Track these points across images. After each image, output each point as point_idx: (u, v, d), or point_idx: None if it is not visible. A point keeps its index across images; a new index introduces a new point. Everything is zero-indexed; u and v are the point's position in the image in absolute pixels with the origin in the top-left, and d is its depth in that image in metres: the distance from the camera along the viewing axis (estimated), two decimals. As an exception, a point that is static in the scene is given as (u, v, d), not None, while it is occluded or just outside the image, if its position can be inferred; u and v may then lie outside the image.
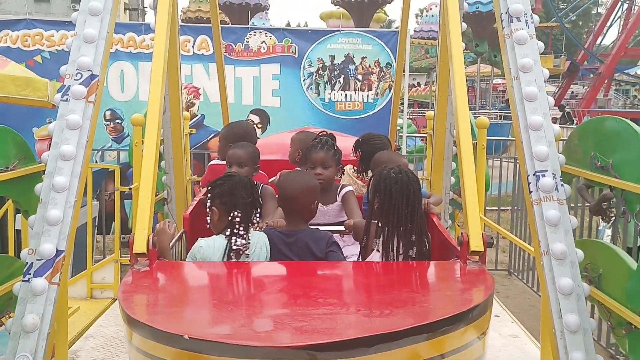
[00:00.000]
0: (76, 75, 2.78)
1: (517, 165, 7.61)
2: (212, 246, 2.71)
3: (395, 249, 2.68)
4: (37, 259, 2.52)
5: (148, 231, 2.48)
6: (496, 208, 8.52)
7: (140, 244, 2.43)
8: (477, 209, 2.63)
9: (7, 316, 2.66)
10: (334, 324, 1.88)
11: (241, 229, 2.71)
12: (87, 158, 2.73)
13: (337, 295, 2.24)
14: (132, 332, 1.98)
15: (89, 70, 2.80)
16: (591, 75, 42.69)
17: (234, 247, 2.67)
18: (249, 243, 2.71)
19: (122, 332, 3.87)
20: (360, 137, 4.00)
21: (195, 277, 2.56)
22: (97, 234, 6.44)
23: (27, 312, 2.44)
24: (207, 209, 2.82)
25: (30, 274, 2.49)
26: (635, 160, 2.46)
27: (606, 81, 40.61)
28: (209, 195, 2.83)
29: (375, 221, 2.79)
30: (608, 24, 44.07)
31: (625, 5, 43.01)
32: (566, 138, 3.43)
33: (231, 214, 2.73)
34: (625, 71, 43.63)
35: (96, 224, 6.23)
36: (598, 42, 44.78)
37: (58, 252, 2.54)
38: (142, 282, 2.32)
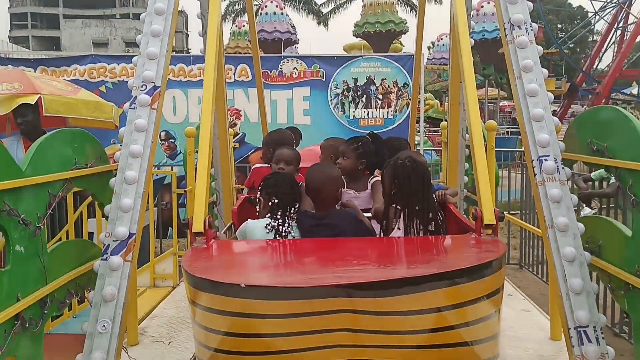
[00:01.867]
0: (142, 87, 2.94)
1: (524, 174, 7.61)
2: (256, 225, 2.84)
3: (415, 226, 2.75)
4: (113, 240, 2.66)
5: (204, 214, 2.56)
6: (506, 212, 8.46)
7: (198, 224, 2.51)
8: (489, 188, 2.67)
9: (89, 290, 2.79)
10: (367, 273, 1.95)
11: (278, 214, 2.81)
12: (152, 156, 2.88)
13: (369, 258, 2.30)
14: (196, 292, 2.04)
15: (152, 82, 2.95)
16: (590, 96, 42.08)
17: (273, 228, 2.78)
18: (288, 225, 2.80)
19: (182, 313, 3.98)
20: (383, 140, 4.07)
21: (245, 250, 2.64)
22: (155, 238, 6.60)
23: (106, 284, 2.58)
24: (258, 200, 2.94)
25: (107, 253, 2.64)
26: (627, 142, 2.50)
27: (604, 100, 39.97)
28: (260, 188, 2.94)
29: (394, 205, 2.86)
30: (603, 49, 43.52)
31: (619, 32, 42.51)
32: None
33: (271, 202, 2.83)
34: (621, 91, 42.92)
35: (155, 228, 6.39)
36: (595, 65, 44.19)
37: (130, 235, 2.69)
38: (201, 254, 2.40)
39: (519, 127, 2.86)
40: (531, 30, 2.97)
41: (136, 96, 2.92)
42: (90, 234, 4.59)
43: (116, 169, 2.82)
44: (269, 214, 2.86)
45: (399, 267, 2.03)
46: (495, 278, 2.10)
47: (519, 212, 8.33)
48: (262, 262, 2.38)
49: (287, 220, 2.83)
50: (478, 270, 1.98)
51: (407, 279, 1.82)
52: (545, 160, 2.65)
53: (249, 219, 2.90)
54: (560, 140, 2.79)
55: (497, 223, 2.52)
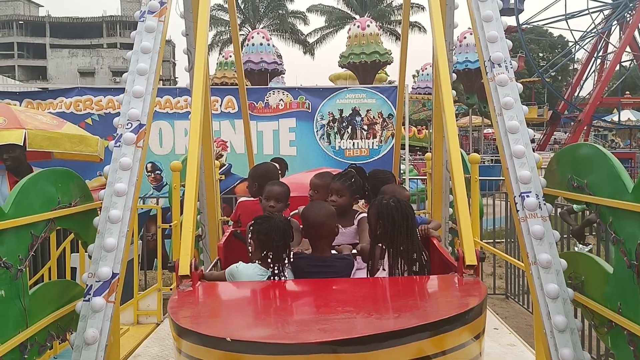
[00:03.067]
0: (127, 125, 2.94)
1: (509, 202, 7.65)
2: (247, 270, 2.78)
3: (399, 266, 2.77)
4: (95, 281, 2.62)
5: (190, 257, 2.55)
6: (491, 240, 8.51)
7: (184, 268, 2.50)
8: (470, 228, 2.69)
9: (70, 332, 2.74)
10: (351, 325, 1.95)
11: (275, 267, 2.76)
12: (136, 194, 2.87)
13: (353, 303, 2.30)
14: (181, 340, 2.04)
15: (137, 120, 2.95)
16: (572, 123, 42.79)
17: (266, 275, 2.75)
18: (280, 271, 2.77)
19: (166, 351, 3.92)
20: (368, 173, 4.09)
21: (232, 293, 2.62)
22: (140, 270, 6.53)
23: (88, 327, 2.54)
24: (249, 239, 2.92)
25: (90, 294, 2.60)
26: (606, 179, 2.54)
27: (585, 127, 40.66)
28: (251, 228, 2.91)
29: (380, 245, 2.88)
30: (584, 77, 44.44)
31: (599, 61, 43.45)
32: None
33: (264, 252, 2.79)
34: (602, 118, 43.71)
35: (139, 261, 6.33)
36: (576, 93, 45.02)
37: (113, 275, 2.65)
38: (187, 299, 2.38)
39: (501, 163, 2.89)
40: (511, 67, 3.02)
41: (121, 134, 2.92)
42: (73, 269, 4.54)
43: (100, 207, 2.80)
44: (259, 261, 2.82)
45: (383, 318, 2.04)
46: (477, 323, 2.11)
47: (504, 240, 8.39)
48: (248, 310, 2.36)
49: (280, 268, 2.78)
50: (461, 318, 2.00)
51: (392, 333, 1.83)
52: (527, 196, 2.68)
53: (240, 262, 2.86)
54: (542, 176, 2.83)
55: (479, 263, 2.54)
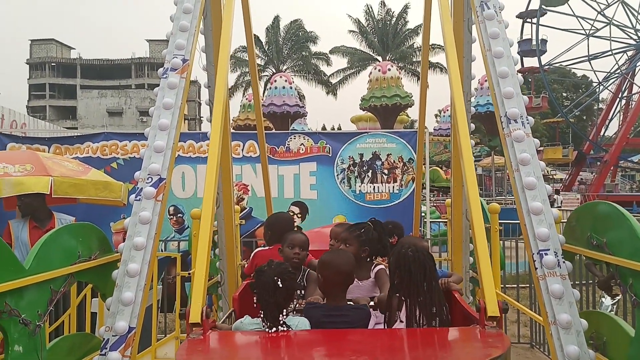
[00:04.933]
0: (147, 179, 3.02)
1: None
2: (252, 324, 2.74)
3: (417, 319, 2.72)
4: (112, 335, 2.65)
5: (202, 304, 2.55)
6: (515, 285, 8.34)
7: (195, 315, 2.51)
8: (492, 279, 2.65)
9: (86, 386, 2.75)
10: None
11: (269, 325, 2.60)
12: (155, 247, 2.91)
13: (368, 354, 2.26)
14: None
15: (157, 175, 3.03)
16: (598, 163, 42.29)
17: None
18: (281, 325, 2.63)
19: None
20: (371, 220, 4.03)
21: (242, 344, 2.60)
22: (160, 312, 6.53)
23: (103, 381, 2.56)
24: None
25: (107, 348, 2.62)
26: (624, 239, 2.51)
27: (612, 168, 40.13)
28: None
29: (398, 295, 2.85)
30: (609, 118, 44.11)
31: (624, 101, 43.17)
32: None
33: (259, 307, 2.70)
34: (629, 159, 43.15)
35: (159, 305, 6.34)
36: (602, 133, 44.63)
37: (130, 329, 2.68)
38: (197, 347, 2.38)
39: (519, 219, 2.87)
40: (527, 123, 3.03)
41: (142, 188, 2.99)
42: (93, 314, 4.57)
43: (119, 260, 2.85)
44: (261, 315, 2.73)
45: None
46: None
47: (527, 285, 8.23)
48: None
49: (277, 325, 2.62)
50: None
51: None
52: (546, 254, 2.65)
53: (246, 316, 2.86)
54: (562, 232, 2.80)
55: (502, 315, 2.50)
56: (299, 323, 2.76)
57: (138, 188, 3.00)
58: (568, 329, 2.50)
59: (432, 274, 2.88)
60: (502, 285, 5.11)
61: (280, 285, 2.64)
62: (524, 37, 41.44)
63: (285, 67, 46.83)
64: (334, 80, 48.45)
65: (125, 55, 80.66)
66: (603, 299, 5.65)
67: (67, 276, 2.69)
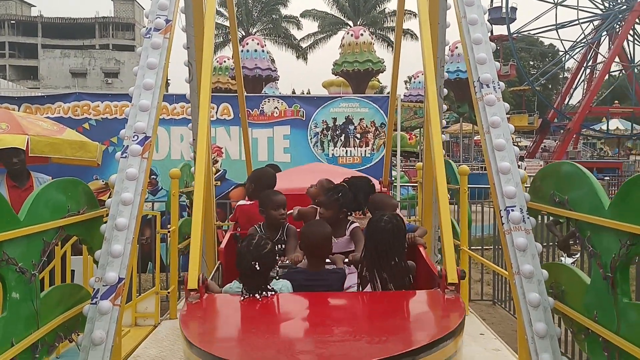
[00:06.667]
0: (133, 137, 3.08)
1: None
2: (239, 287, 2.86)
3: (384, 279, 2.97)
4: (102, 285, 2.76)
5: (198, 271, 2.69)
6: (480, 247, 8.69)
7: (192, 282, 2.65)
8: (453, 250, 2.85)
9: (76, 334, 2.87)
10: (345, 350, 2.09)
11: (245, 295, 2.70)
12: (141, 203, 3.01)
13: (346, 323, 2.46)
14: (191, 353, 2.18)
15: (143, 133, 3.10)
16: (561, 131, 43.30)
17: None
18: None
19: (164, 353, 4.04)
20: (347, 180, 4.20)
21: (235, 308, 2.71)
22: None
23: (95, 328, 2.67)
24: None
25: (97, 297, 2.74)
26: (585, 196, 2.71)
27: (575, 136, 41.16)
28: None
29: (370, 258, 3.09)
30: (574, 86, 45.01)
31: (588, 70, 44.04)
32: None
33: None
34: (591, 127, 44.26)
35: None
36: (566, 102, 45.58)
37: (120, 279, 2.79)
38: (196, 312, 2.55)
39: (488, 179, 3.06)
40: (499, 88, 3.19)
41: (128, 145, 3.06)
42: (72, 272, 4.65)
43: (107, 215, 2.94)
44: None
45: (372, 342, 2.16)
46: (455, 341, 2.27)
47: (492, 247, 8.57)
48: (251, 327, 2.45)
49: (256, 294, 2.71)
50: (441, 342, 2.14)
51: None
52: (512, 210, 2.84)
53: (234, 281, 2.97)
54: (527, 191, 3.00)
55: (459, 282, 2.70)
56: (282, 287, 2.93)
57: (124, 146, 3.07)
58: (530, 279, 2.72)
59: (401, 241, 3.13)
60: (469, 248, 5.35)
61: (258, 269, 2.72)
62: (494, 5, 41.62)
63: (255, 30, 46.11)
64: (304, 45, 48.07)
65: (89, 14, 78.06)
66: (562, 258, 5.98)
67: (57, 229, 2.78)
